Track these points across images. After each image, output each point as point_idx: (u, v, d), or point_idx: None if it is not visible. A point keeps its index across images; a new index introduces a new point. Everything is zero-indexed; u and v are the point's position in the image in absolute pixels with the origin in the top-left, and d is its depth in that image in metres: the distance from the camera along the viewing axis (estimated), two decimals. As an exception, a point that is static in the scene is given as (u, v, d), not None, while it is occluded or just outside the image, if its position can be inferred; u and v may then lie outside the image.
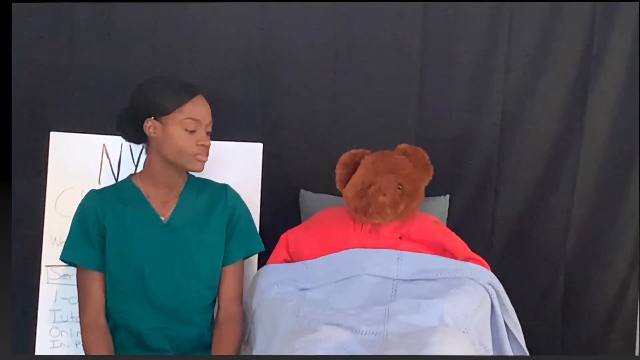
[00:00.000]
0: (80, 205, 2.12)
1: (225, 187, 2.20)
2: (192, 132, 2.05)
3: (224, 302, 2.15)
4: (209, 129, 2.11)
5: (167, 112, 2.05)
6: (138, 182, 2.14)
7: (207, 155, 2.10)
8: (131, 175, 2.20)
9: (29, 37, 2.45)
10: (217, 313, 2.16)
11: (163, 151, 2.08)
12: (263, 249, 2.22)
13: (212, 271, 2.14)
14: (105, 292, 2.10)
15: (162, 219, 2.11)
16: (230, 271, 2.16)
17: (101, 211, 2.08)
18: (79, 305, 2.10)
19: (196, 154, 2.06)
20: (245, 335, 2.14)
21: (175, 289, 2.08)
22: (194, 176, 2.21)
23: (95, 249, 2.07)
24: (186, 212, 2.13)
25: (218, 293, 2.17)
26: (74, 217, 2.11)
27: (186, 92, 2.06)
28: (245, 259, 2.22)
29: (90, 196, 2.12)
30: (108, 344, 2.05)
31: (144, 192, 2.12)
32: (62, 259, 2.11)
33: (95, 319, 2.07)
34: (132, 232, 2.07)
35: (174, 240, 2.09)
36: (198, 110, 2.06)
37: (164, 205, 2.12)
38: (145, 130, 2.08)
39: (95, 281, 2.08)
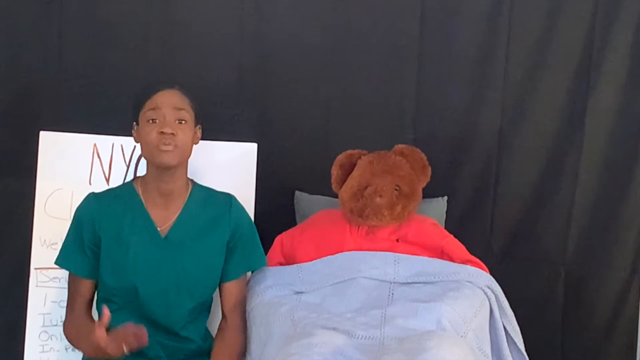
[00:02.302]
0: (78, 209, 2.07)
1: (229, 200, 2.13)
2: (154, 121, 1.98)
3: (226, 313, 2.12)
4: (182, 116, 2.00)
5: (138, 112, 2.02)
6: (139, 189, 2.08)
7: (177, 145, 1.96)
8: (133, 179, 2.15)
9: (17, 33, 2.43)
10: (221, 322, 2.14)
11: (142, 153, 2.04)
12: (265, 264, 2.18)
13: (207, 289, 2.10)
14: (94, 295, 2.07)
15: (161, 232, 2.05)
16: (232, 287, 2.12)
17: (98, 220, 2.03)
18: (67, 306, 2.08)
19: (158, 144, 1.96)
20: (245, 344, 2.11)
21: (168, 307, 2.03)
22: (198, 186, 2.14)
23: (89, 258, 2.03)
24: (187, 226, 2.06)
25: (221, 306, 2.13)
26: (72, 221, 2.07)
27: (152, 88, 2.02)
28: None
29: (89, 201, 2.07)
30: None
31: (143, 200, 2.07)
32: (56, 263, 2.08)
33: (80, 316, 2.05)
34: (128, 245, 2.02)
35: (171, 257, 2.04)
36: (159, 99, 1.99)
37: (164, 217, 2.06)
38: (133, 137, 2.07)
39: (86, 287, 2.06)
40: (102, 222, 2.03)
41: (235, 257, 2.11)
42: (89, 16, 2.45)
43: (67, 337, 2.07)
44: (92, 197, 2.07)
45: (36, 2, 2.44)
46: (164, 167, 2.00)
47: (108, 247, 2.02)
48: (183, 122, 2.00)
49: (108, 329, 2.04)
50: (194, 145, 2.07)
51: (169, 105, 1.99)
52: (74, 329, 2.04)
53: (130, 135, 2.12)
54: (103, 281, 2.03)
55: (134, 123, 2.05)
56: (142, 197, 2.07)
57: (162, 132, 1.96)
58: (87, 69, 2.46)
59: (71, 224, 2.07)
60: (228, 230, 2.09)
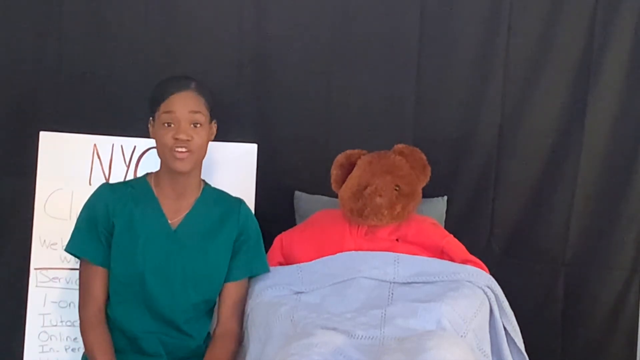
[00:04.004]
0: (91, 197, 2.08)
1: (239, 203, 2.15)
2: (170, 126, 2.00)
3: (222, 317, 2.11)
4: (197, 120, 2.01)
5: (154, 110, 2.04)
6: (152, 183, 2.11)
7: (192, 150, 2.00)
8: (147, 174, 2.16)
9: (17, 33, 2.43)
10: (215, 327, 2.13)
11: (157, 152, 2.06)
12: (268, 271, 2.17)
13: (212, 286, 2.10)
14: (107, 289, 2.07)
15: (172, 225, 2.07)
16: (231, 288, 2.12)
17: (112, 207, 2.04)
18: (80, 298, 2.07)
19: (172, 149, 1.99)
20: (239, 352, 2.10)
21: (173, 299, 2.04)
22: (210, 186, 2.16)
23: (103, 245, 2.04)
24: (196, 222, 2.08)
25: (218, 307, 2.14)
26: (82, 209, 2.08)
27: (168, 88, 2.03)
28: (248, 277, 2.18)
29: (103, 190, 2.09)
30: (110, 343, 2.02)
31: (156, 194, 2.08)
32: (67, 250, 2.08)
33: (96, 315, 2.04)
34: (139, 234, 2.04)
35: (179, 250, 2.05)
36: (174, 103, 2.00)
37: (175, 211, 2.08)
38: (149, 132, 2.08)
39: (99, 277, 2.05)
40: (115, 210, 2.04)
41: (239, 259, 2.11)
42: (89, 16, 2.45)
43: (84, 345, 2.04)
44: (106, 186, 2.10)
45: (36, 2, 2.44)
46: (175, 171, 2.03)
47: (119, 235, 2.03)
48: (198, 125, 2.02)
49: (113, 325, 2.05)
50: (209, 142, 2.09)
51: (185, 109, 2.00)
52: (90, 336, 2.01)
53: (130, 135, 2.14)
54: (111, 269, 2.04)
55: (150, 118, 2.07)
56: (154, 191, 2.09)
57: (177, 138, 1.98)
58: (87, 69, 2.46)
59: (82, 212, 2.07)
60: (236, 230, 2.11)
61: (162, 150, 2.02)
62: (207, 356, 2.06)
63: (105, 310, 2.07)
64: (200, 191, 2.12)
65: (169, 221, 2.07)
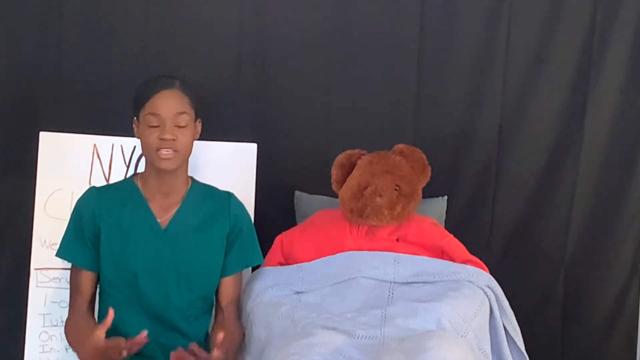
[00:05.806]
0: (78, 201, 2.09)
1: (229, 196, 2.15)
2: (155, 127, 1.99)
3: (224, 307, 2.13)
4: (182, 120, 2.00)
5: (138, 110, 2.03)
6: (139, 183, 2.11)
7: (177, 150, 1.99)
8: (134, 175, 2.16)
9: (17, 33, 2.44)
10: (216, 318, 2.15)
11: (142, 152, 2.06)
12: (262, 261, 2.19)
13: (207, 282, 2.11)
14: (96, 290, 2.08)
15: (161, 224, 2.07)
16: (229, 281, 2.13)
17: (98, 211, 2.05)
18: (70, 299, 2.08)
19: (158, 149, 1.99)
20: (239, 352, 2.11)
21: (167, 297, 2.05)
22: (198, 182, 2.16)
23: (89, 249, 2.04)
24: (186, 219, 2.08)
25: (216, 300, 2.15)
26: (72, 213, 2.09)
27: (152, 88, 2.02)
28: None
29: (89, 194, 2.09)
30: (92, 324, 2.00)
31: (144, 195, 2.08)
32: (57, 255, 2.09)
33: (85, 310, 2.05)
34: (128, 235, 2.04)
35: (171, 248, 2.05)
36: (159, 104, 1.99)
37: (164, 210, 2.08)
38: (134, 131, 2.08)
39: (87, 280, 2.06)
40: (102, 213, 2.04)
41: (233, 253, 2.12)
42: (89, 16, 2.46)
43: (66, 337, 2.07)
44: (93, 190, 2.10)
45: (36, 2, 2.44)
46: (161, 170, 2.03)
47: (108, 238, 2.03)
48: (183, 125, 2.01)
49: (109, 330, 2.05)
50: (194, 141, 2.08)
51: (169, 111, 1.99)
52: (74, 330, 2.03)
53: (130, 135, 2.12)
54: (103, 273, 2.04)
55: (135, 118, 2.06)
56: (142, 191, 2.09)
57: (162, 139, 1.98)
58: (87, 69, 2.46)
59: (71, 217, 2.08)
60: (227, 224, 2.11)
61: (148, 151, 2.02)
62: (219, 325, 2.05)
63: (99, 316, 2.07)
64: (188, 187, 2.12)
65: (158, 220, 2.07)
